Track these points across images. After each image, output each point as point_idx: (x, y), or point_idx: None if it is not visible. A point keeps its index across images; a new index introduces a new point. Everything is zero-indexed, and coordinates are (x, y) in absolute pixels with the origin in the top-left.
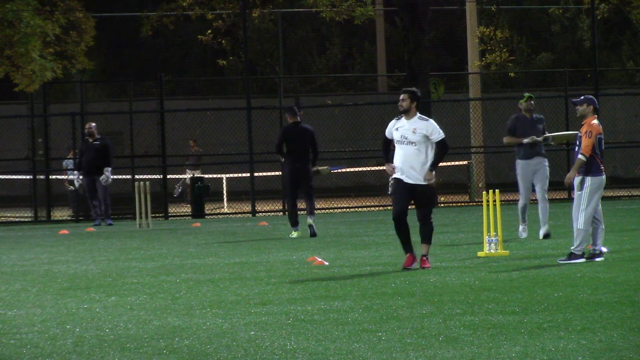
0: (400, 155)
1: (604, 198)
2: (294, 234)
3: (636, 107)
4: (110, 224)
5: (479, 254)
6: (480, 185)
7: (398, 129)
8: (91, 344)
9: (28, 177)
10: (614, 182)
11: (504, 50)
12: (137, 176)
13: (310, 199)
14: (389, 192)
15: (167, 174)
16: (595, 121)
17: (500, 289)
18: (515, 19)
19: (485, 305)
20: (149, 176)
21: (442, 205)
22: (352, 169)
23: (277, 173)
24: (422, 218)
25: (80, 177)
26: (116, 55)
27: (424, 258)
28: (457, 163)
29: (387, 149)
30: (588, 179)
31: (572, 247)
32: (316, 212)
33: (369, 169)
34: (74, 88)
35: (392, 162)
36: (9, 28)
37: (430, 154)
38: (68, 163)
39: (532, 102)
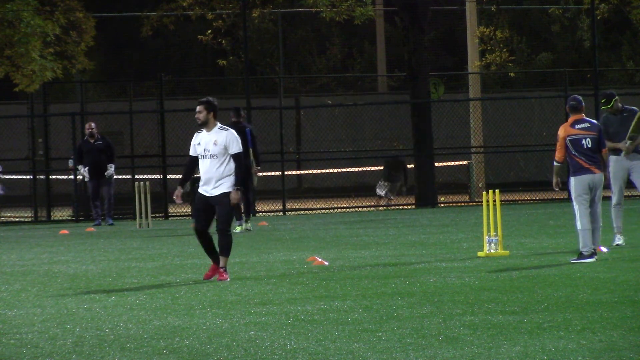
0: (203, 169)
1: (604, 198)
2: (238, 228)
3: (636, 107)
4: (111, 224)
5: (479, 254)
6: (480, 185)
7: (200, 143)
8: (91, 344)
9: (28, 177)
10: None
11: (504, 50)
12: (137, 176)
13: (247, 201)
14: (382, 193)
15: (167, 174)
16: (567, 123)
17: (500, 289)
18: (515, 19)
19: (485, 305)
20: (149, 176)
21: (442, 205)
22: (352, 169)
23: (277, 173)
24: (219, 229)
25: (86, 170)
26: (116, 55)
27: (221, 270)
28: (457, 163)
29: (189, 170)
30: (572, 180)
31: (579, 247)
32: (316, 212)
33: (369, 169)
34: (74, 88)
35: (185, 186)
36: (9, 28)
37: (231, 167)
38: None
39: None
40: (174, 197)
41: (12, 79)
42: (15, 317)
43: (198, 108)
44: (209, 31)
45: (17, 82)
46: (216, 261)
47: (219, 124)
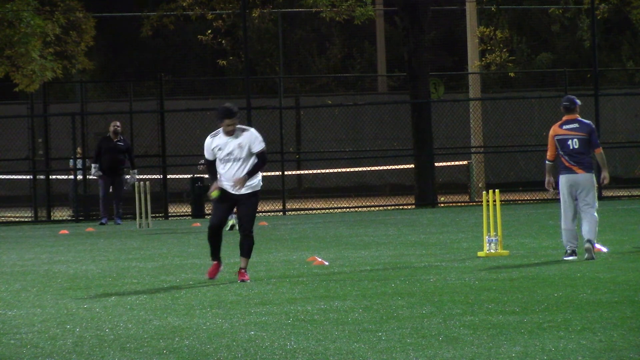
0: (227, 172)
1: (603, 198)
2: (230, 222)
3: (636, 107)
4: (119, 224)
5: (479, 254)
6: (480, 185)
7: (220, 148)
8: (91, 344)
9: (28, 177)
10: (614, 182)
11: (504, 50)
12: (137, 176)
13: None
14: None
15: (167, 174)
16: (557, 123)
17: (500, 289)
18: (515, 19)
19: (485, 305)
20: (149, 176)
21: (442, 205)
22: (352, 169)
23: (277, 173)
24: (243, 230)
25: (99, 172)
26: (116, 55)
27: (243, 271)
28: (457, 163)
29: (214, 171)
30: (559, 178)
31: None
32: (316, 212)
33: (369, 169)
34: (74, 88)
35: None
36: (9, 28)
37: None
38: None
39: None
40: (212, 193)
41: (12, 79)
42: (15, 317)
43: (231, 121)
44: (209, 31)
45: (17, 82)
46: (218, 259)
47: (238, 126)
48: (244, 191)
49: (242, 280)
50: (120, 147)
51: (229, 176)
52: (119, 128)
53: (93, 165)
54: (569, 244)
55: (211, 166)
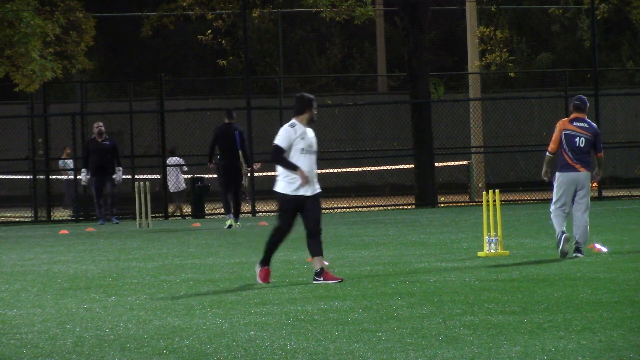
0: (305, 166)
1: (603, 198)
2: (228, 222)
3: (636, 107)
4: (116, 223)
5: (479, 254)
6: (480, 185)
7: (303, 137)
8: (91, 344)
9: (28, 177)
10: (614, 182)
11: (504, 50)
12: (137, 176)
13: (237, 201)
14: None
15: (167, 174)
16: (567, 118)
17: (500, 289)
18: (515, 19)
19: (485, 305)
20: (149, 176)
21: (442, 205)
22: (352, 169)
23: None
24: (319, 230)
25: (88, 175)
26: (116, 55)
27: (327, 270)
28: (457, 163)
29: (288, 159)
30: (557, 175)
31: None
32: None
33: (369, 169)
34: (74, 88)
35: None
36: (9, 28)
37: None
38: (65, 163)
39: None
40: (303, 183)
41: (12, 79)
42: (15, 317)
43: (316, 106)
44: (209, 31)
45: (17, 82)
46: (268, 265)
47: None
48: (316, 191)
49: (334, 280)
50: (106, 146)
51: (306, 170)
52: (102, 128)
53: (82, 169)
54: (558, 227)
55: (284, 154)
